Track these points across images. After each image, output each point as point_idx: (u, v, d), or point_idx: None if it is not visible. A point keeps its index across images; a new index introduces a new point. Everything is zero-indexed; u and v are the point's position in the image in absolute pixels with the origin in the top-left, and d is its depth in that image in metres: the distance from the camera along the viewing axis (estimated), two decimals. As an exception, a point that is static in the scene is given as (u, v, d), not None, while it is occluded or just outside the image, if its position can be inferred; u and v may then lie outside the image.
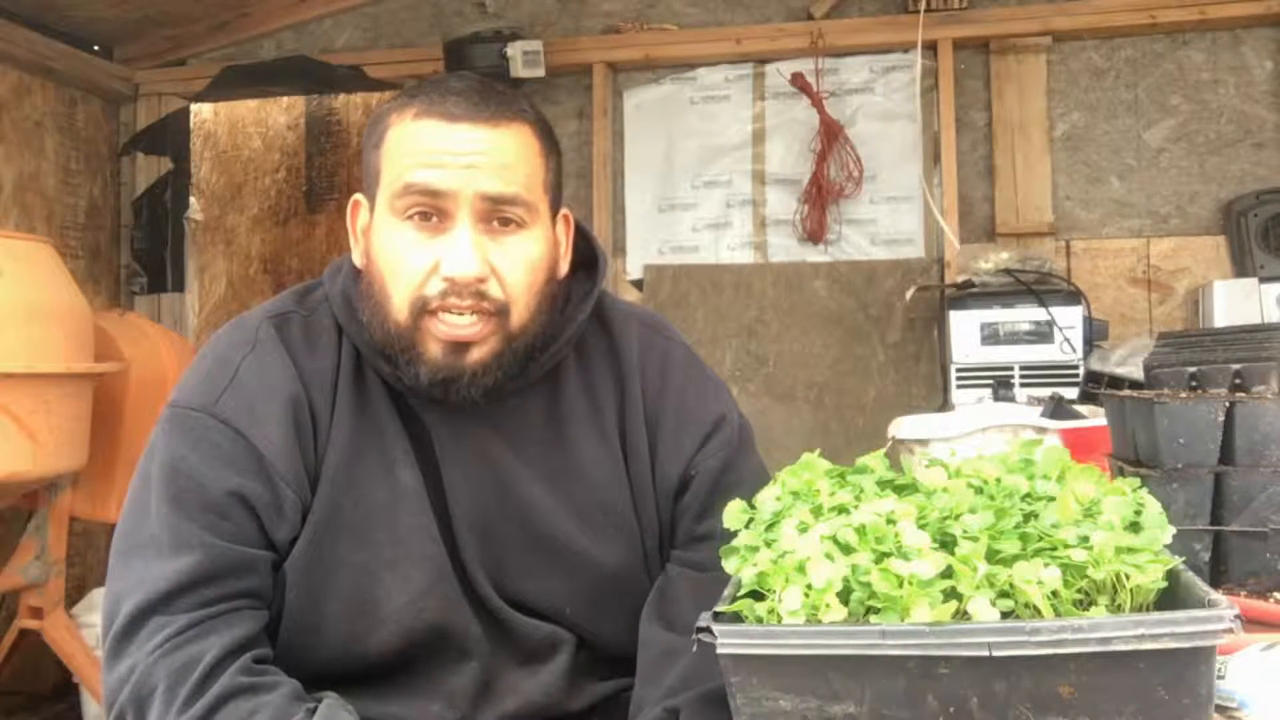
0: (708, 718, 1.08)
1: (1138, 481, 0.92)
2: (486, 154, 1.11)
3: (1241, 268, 3.22)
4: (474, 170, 1.11)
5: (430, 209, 1.11)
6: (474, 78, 1.18)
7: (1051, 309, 2.96)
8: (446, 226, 1.11)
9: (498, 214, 1.13)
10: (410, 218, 1.12)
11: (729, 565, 0.90)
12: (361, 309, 1.17)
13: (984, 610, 0.77)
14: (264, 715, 1.02)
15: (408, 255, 1.12)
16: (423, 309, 1.11)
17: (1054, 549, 0.83)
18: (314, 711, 1.03)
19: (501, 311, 1.13)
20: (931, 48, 3.43)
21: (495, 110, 1.13)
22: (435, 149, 1.11)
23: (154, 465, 1.12)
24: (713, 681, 1.10)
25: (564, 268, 1.23)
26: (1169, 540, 0.86)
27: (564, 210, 1.24)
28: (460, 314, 1.11)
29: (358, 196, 1.21)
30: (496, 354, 1.13)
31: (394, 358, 1.14)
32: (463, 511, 1.17)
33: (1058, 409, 2.25)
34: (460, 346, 1.12)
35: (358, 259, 1.20)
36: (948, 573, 0.80)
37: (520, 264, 1.14)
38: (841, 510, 0.90)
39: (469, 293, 1.11)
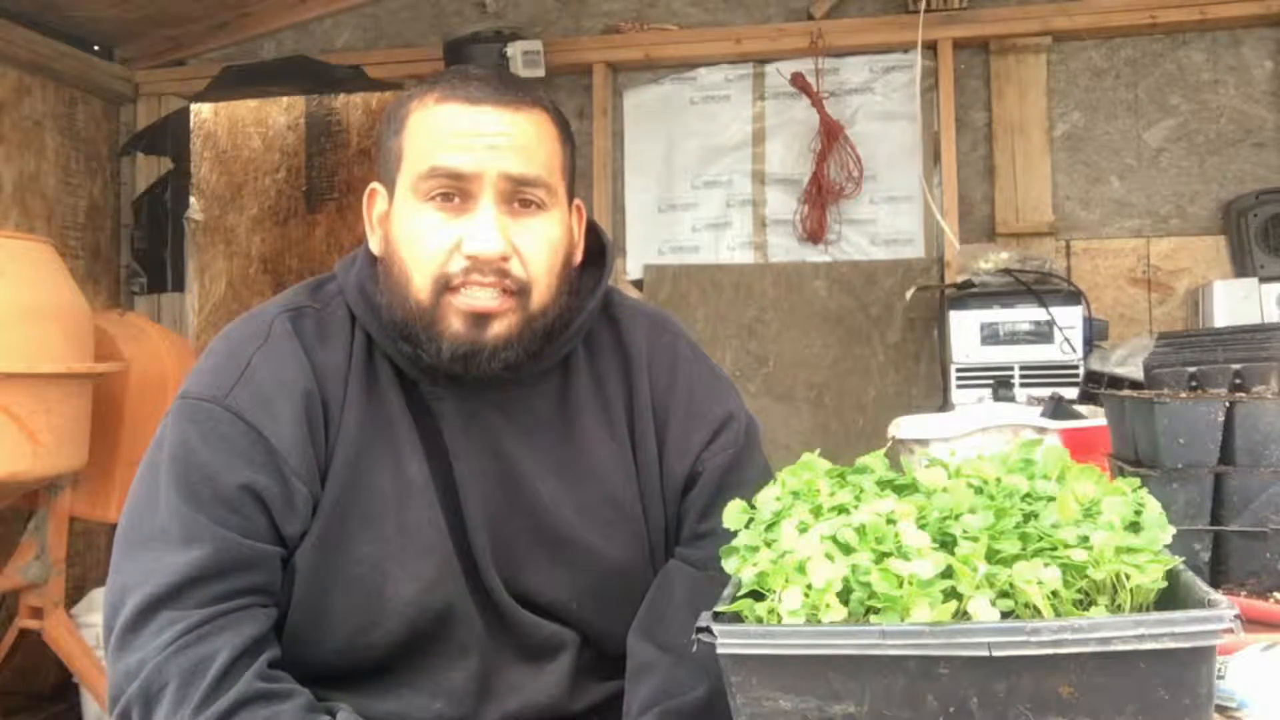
0: None
1: (1138, 481, 0.92)
2: (509, 135, 1.13)
3: (1241, 268, 3.22)
4: (497, 151, 1.12)
5: (453, 190, 1.12)
6: (491, 68, 1.20)
7: (1051, 309, 2.95)
8: (469, 207, 1.12)
9: (519, 195, 1.14)
10: (432, 199, 1.13)
11: (729, 565, 0.90)
12: (380, 293, 1.17)
13: (984, 610, 0.77)
14: None
15: (430, 235, 1.12)
16: (445, 286, 1.12)
17: (1054, 549, 0.82)
18: None
19: (523, 291, 1.13)
20: (931, 48, 3.43)
21: (515, 95, 1.15)
22: (459, 130, 1.12)
23: (163, 456, 1.11)
24: (680, 697, 1.11)
25: (577, 256, 1.24)
26: (1169, 540, 0.86)
27: (577, 200, 1.25)
28: (483, 289, 1.12)
29: (374, 185, 1.22)
30: (517, 330, 1.14)
31: (414, 336, 1.14)
32: (473, 504, 1.17)
33: (1058, 409, 2.24)
34: (481, 319, 1.12)
35: (375, 247, 1.21)
36: (948, 573, 0.80)
37: (541, 244, 1.15)
38: (841, 510, 0.90)
39: (491, 270, 1.11)
